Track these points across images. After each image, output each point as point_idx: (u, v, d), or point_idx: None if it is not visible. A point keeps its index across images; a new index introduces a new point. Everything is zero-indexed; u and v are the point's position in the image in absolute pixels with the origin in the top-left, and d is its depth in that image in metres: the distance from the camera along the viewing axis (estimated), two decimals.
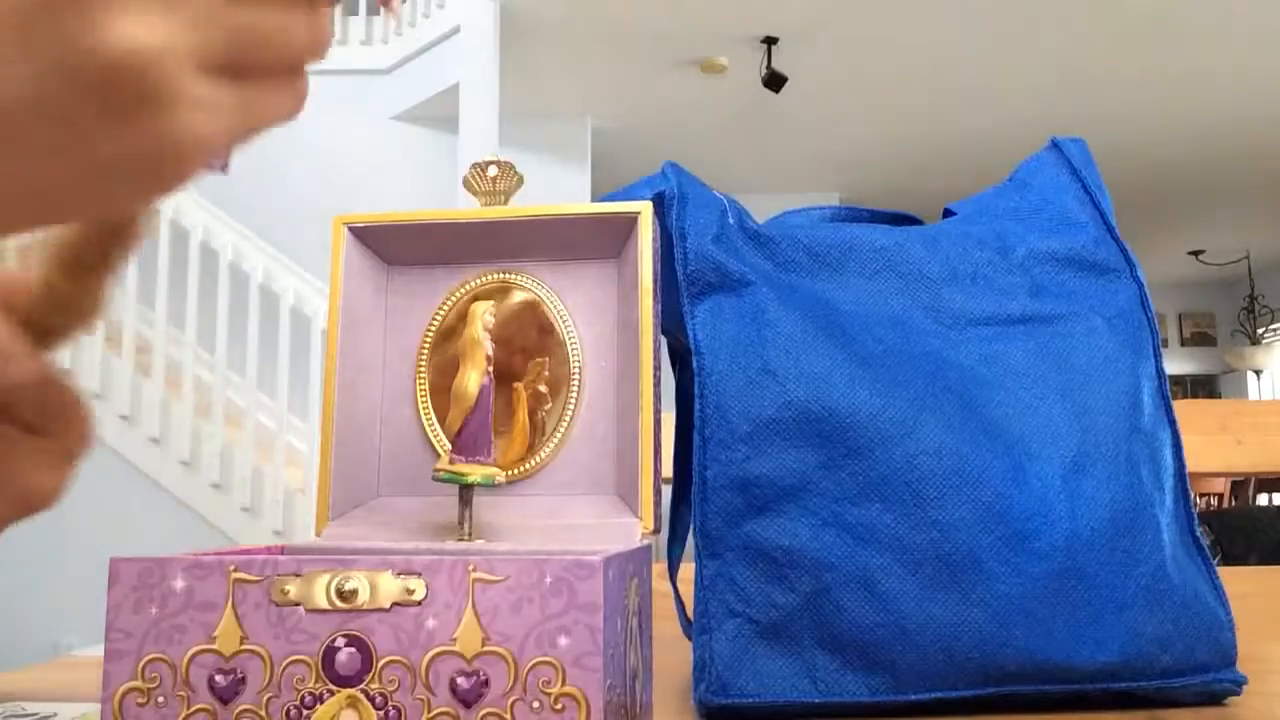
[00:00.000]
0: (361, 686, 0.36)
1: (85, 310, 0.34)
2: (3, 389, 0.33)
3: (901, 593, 0.54)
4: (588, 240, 0.56)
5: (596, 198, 0.81)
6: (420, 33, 4.84)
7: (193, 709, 0.37)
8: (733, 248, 0.61)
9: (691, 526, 0.60)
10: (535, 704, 0.35)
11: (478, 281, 0.58)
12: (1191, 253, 8.41)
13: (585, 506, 0.54)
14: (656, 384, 0.53)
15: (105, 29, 0.25)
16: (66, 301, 0.33)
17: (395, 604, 0.36)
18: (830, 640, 0.55)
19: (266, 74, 0.29)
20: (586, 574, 0.36)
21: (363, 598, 0.36)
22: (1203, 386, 9.49)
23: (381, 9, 5.06)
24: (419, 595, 0.36)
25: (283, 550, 0.50)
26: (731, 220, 0.62)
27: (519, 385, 0.56)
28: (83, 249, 0.32)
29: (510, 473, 0.55)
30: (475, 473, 0.51)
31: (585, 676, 0.35)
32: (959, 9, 4.29)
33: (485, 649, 0.36)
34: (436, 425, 0.56)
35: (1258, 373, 8.94)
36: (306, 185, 4.76)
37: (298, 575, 0.37)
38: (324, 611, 0.37)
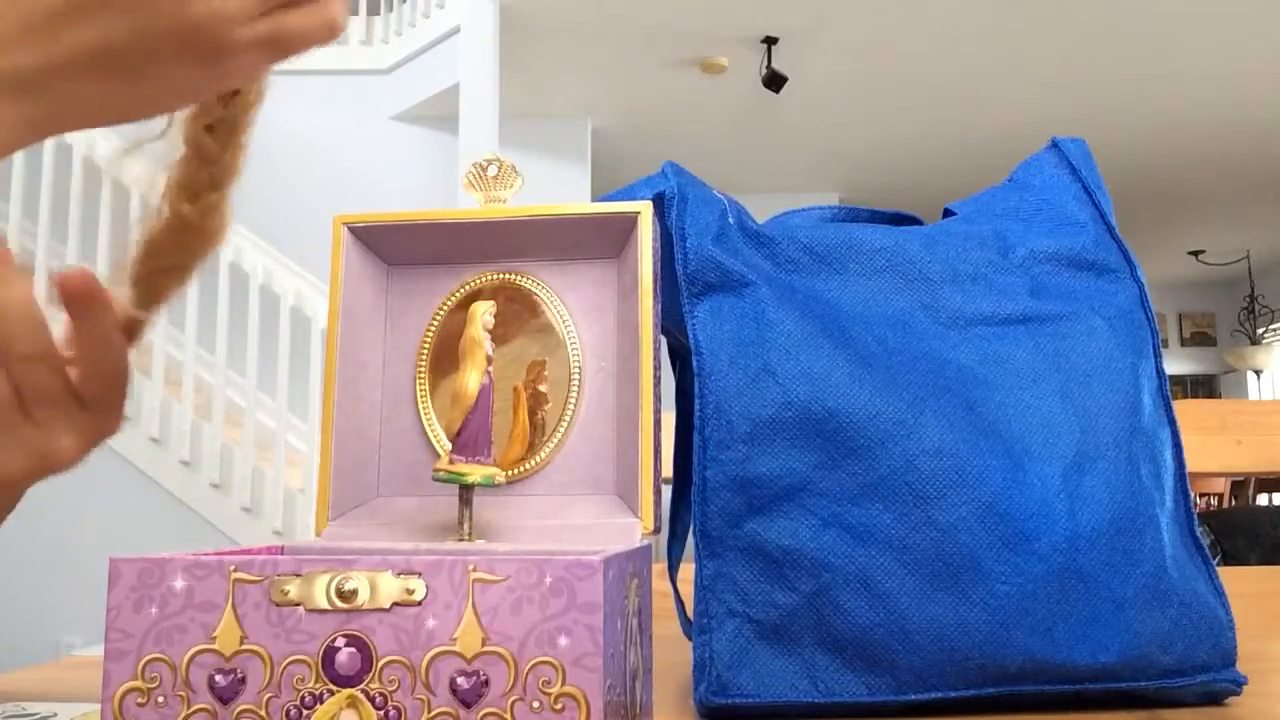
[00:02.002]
0: (361, 686, 0.36)
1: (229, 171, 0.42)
2: (83, 358, 0.39)
3: (901, 593, 0.54)
4: (588, 240, 0.56)
5: (596, 198, 0.82)
6: (420, 33, 4.84)
7: (193, 709, 0.37)
8: (733, 248, 0.61)
9: (691, 526, 0.60)
10: (535, 704, 0.35)
11: (478, 281, 0.58)
12: (1191, 253, 8.41)
13: (585, 506, 0.54)
14: (656, 384, 0.53)
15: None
16: (211, 167, 0.42)
17: (395, 604, 0.36)
18: (830, 640, 0.55)
19: (292, 9, 0.37)
20: (586, 574, 0.36)
21: (363, 598, 0.36)
22: (1203, 386, 9.49)
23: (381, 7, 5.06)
24: (419, 595, 0.36)
25: (283, 550, 0.50)
26: (731, 220, 0.62)
27: (519, 385, 0.56)
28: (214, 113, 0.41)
29: (510, 473, 0.55)
30: (475, 473, 0.51)
31: (585, 676, 0.35)
32: (959, 9, 4.29)
33: (485, 649, 0.36)
34: (436, 425, 0.56)
35: (1258, 373, 8.94)
36: (306, 185, 4.76)
37: (298, 575, 0.37)
38: (324, 611, 0.37)
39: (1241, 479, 4.57)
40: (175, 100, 0.38)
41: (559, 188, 5.32)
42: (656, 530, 0.51)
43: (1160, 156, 6.02)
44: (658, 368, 0.54)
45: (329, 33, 0.39)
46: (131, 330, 0.41)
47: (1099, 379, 0.59)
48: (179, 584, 0.37)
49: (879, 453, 0.55)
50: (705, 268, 0.60)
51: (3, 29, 0.34)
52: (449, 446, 0.53)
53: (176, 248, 0.42)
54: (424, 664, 0.36)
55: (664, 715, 0.56)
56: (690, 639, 0.60)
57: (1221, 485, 4.51)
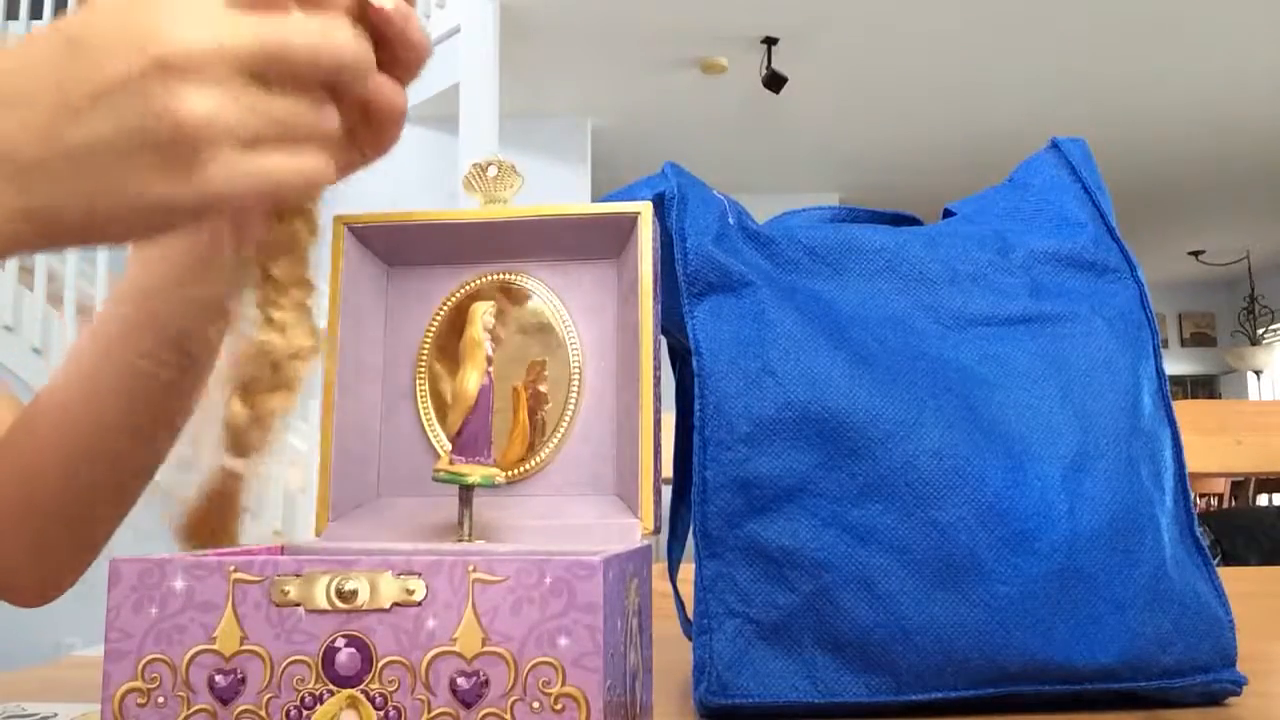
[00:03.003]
0: (361, 687, 0.36)
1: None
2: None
3: (902, 593, 0.54)
4: (588, 240, 0.56)
5: (596, 198, 0.81)
6: None
7: (193, 709, 0.37)
8: (733, 248, 0.61)
9: (691, 526, 0.60)
10: (535, 704, 0.35)
11: (478, 281, 0.58)
12: (1191, 253, 8.41)
13: (585, 507, 0.54)
14: (656, 384, 0.53)
15: (177, 98, 0.34)
16: None
17: (395, 604, 0.36)
18: (830, 640, 0.55)
19: (283, 149, 0.37)
20: (586, 574, 0.36)
21: (363, 598, 0.36)
22: (1203, 386, 9.49)
23: None
24: (419, 595, 0.36)
25: (283, 550, 0.50)
26: (731, 220, 0.62)
27: (519, 385, 0.56)
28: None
29: (510, 473, 0.55)
30: (475, 473, 0.51)
31: (585, 676, 0.35)
32: (959, 9, 4.29)
33: (485, 649, 0.36)
34: (436, 425, 0.56)
35: (1258, 373, 8.94)
36: None
37: (298, 575, 0.37)
38: (324, 612, 0.37)
39: (1241, 479, 4.57)
40: (153, 216, 0.36)
41: (559, 188, 5.32)
42: (656, 530, 0.51)
43: (1160, 156, 6.02)
44: (658, 368, 0.54)
45: (307, 185, 0.38)
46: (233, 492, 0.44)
47: (1099, 379, 0.59)
48: (179, 584, 0.37)
49: (879, 453, 0.55)
50: (705, 268, 0.60)
51: (6, 127, 0.35)
52: (449, 446, 0.53)
53: (271, 380, 0.44)
54: (424, 664, 0.36)
55: (664, 715, 0.56)
56: (690, 639, 0.60)
57: (1221, 485, 4.51)
